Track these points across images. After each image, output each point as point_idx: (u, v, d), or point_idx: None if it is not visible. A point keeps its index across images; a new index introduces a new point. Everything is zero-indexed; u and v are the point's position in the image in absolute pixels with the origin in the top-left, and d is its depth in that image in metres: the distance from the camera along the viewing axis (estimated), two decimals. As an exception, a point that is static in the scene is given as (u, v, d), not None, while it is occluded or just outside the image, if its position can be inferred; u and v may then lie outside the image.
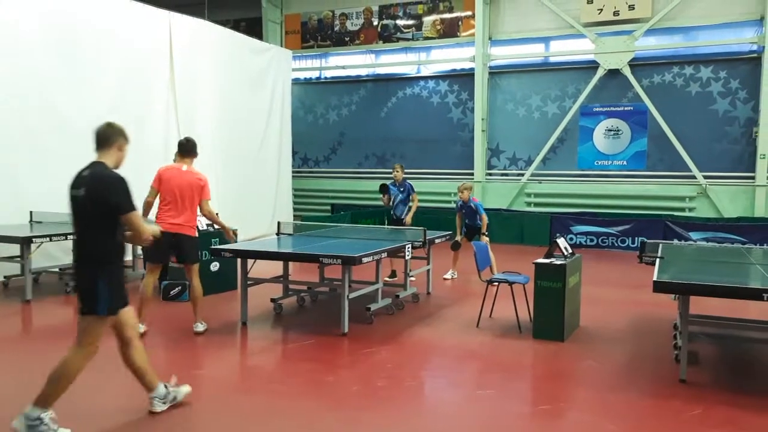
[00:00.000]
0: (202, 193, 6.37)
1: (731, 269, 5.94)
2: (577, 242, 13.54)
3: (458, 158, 16.73)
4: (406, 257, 7.62)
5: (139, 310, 6.08)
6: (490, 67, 16.25)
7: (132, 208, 3.92)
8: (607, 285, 9.39)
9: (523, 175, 16.01)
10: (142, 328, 6.05)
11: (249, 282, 6.98)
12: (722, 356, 6.01)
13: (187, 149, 6.52)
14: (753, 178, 13.92)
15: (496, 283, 7.13)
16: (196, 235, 6.53)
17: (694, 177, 14.42)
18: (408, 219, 9.57)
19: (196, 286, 6.47)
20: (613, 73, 14.96)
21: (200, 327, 6.48)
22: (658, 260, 5.84)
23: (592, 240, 13.80)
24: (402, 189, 9.64)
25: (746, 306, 7.32)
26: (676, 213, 14.32)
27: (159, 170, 6.47)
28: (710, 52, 14.35)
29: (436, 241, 8.41)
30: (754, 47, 13.84)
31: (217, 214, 6.67)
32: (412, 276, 8.34)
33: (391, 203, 9.70)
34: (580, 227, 13.98)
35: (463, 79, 16.64)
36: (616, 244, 13.54)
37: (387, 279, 9.05)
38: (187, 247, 6.40)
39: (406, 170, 9.93)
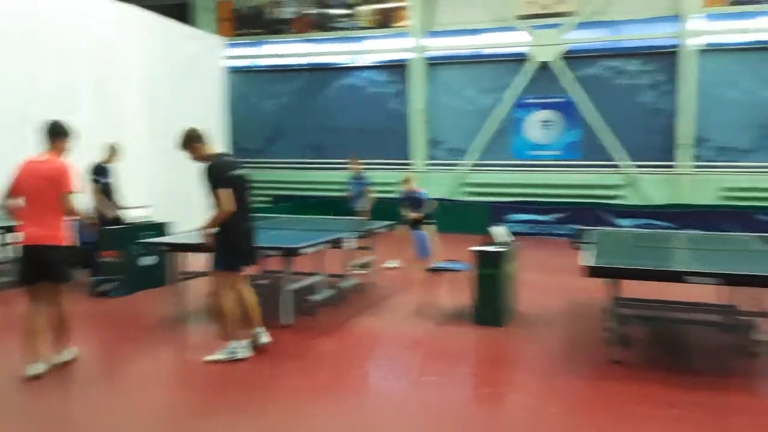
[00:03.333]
0: (61, 185, 4.86)
1: (657, 254, 6.22)
2: (515, 230, 13.84)
3: (396, 149, 16.79)
4: (349, 247, 7.60)
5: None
6: (427, 59, 16.36)
7: None
8: (544, 271, 9.68)
9: (462, 165, 16.24)
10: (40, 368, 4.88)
11: (184, 276, 6.80)
12: (652, 337, 6.30)
13: (54, 132, 5.04)
14: (677, 166, 14.61)
15: (439, 272, 7.22)
16: (66, 243, 5.00)
17: (624, 166, 15.00)
18: (364, 210, 9.62)
19: (62, 311, 5.08)
20: (546, 66, 15.34)
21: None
22: (588, 246, 6.06)
23: (531, 228, 14.20)
24: (360, 181, 9.69)
25: (676, 288, 7.66)
26: (607, 201, 14.87)
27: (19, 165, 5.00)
28: (636, 46, 14.91)
29: (378, 230, 8.43)
30: (675, 41, 14.49)
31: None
32: (361, 268, 8.33)
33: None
34: (517, 215, 14.34)
35: (399, 69, 16.70)
36: (552, 232, 13.97)
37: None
38: (53, 261, 4.91)
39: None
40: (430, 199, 9.84)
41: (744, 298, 6.15)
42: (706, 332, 6.32)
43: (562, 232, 13.81)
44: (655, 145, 14.94)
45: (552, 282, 8.93)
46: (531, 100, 15.67)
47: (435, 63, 16.43)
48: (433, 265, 7.62)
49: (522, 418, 4.33)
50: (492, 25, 15.76)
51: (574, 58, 15.24)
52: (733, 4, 14.22)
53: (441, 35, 16.29)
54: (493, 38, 15.90)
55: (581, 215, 13.63)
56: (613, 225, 13.22)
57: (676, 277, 4.94)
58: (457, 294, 6.89)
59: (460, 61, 16.29)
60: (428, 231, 8.99)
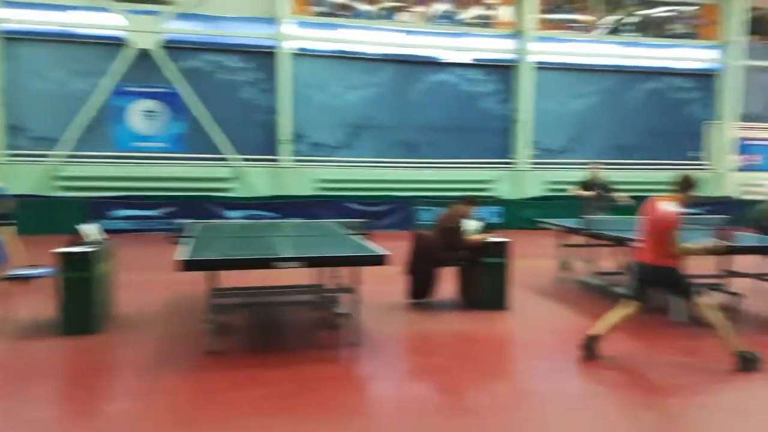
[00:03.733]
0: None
1: (253, 243, 6.47)
2: (118, 227, 12.94)
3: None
4: None
5: None
6: (3, 32, 14.02)
7: None
8: (147, 269, 9.22)
9: (53, 156, 14.40)
10: None
11: None
12: (250, 323, 6.54)
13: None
14: (279, 160, 15.67)
15: (19, 280, 6.20)
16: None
17: (231, 159, 15.39)
18: None
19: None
20: (147, 54, 14.69)
21: None
22: (186, 240, 5.97)
23: (136, 224, 13.43)
24: None
25: (276, 273, 8.11)
26: (217, 194, 15.08)
27: None
28: (237, 43, 15.43)
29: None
30: (271, 42, 15.47)
31: None
32: None
33: None
34: (121, 211, 13.43)
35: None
36: (160, 228, 13.47)
37: None
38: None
39: None
40: (8, 196, 8.42)
41: (329, 278, 6.85)
42: (298, 312, 6.86)
43: (169, 228, 13.44)
44: (260, 139, 15.75)
45: (155, 279, 8.56)
46: (133, 89, 14.83)
47: (14, 38, 14.19)
48: (10, 272, 6.51)
49: (119, 424, 3.97)
50: (82, 2, 14.35)
51: (176, 48, 14.96)
52: (320, 14, 15.88)
53: (20, 6, 14.13)
54: (84, 17, 14.49)
55: (190, 209, 13.48)
56: (222, 217, 13.47)
57: (266, 263, 5.17)
58: (44, 304, 6.02)
59: (47, 39, 14.42)
60: (6, 233, 7.68)
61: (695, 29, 18.16)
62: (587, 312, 6.85)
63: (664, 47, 17.97)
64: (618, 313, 5.22)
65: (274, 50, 15.47)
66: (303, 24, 15.75)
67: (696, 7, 18.04)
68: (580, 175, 10.60)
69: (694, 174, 5.34)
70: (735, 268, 7.53)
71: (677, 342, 5.94)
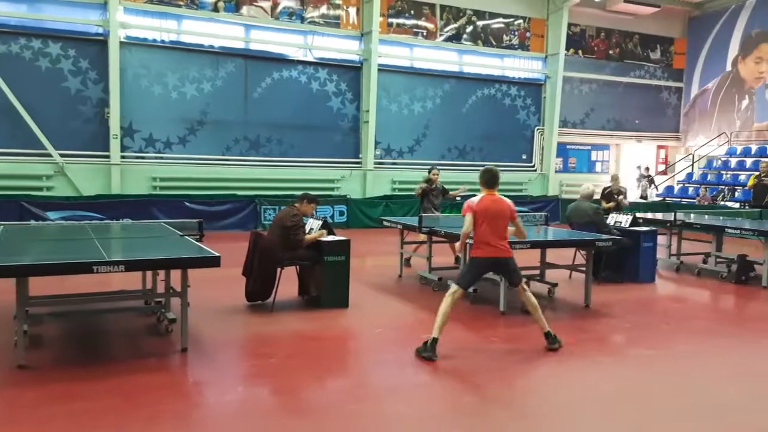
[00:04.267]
0: None
1: (73, 246, 5.93)
2: None
3: None
4: None
5: None
6: None
7: None
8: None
9: None
10: None
11: None
12: (68, 333, 5.98)
13: None
14: (108, 156, 14.54)
15: None
16: None
17: (50, 155, 14.03)
18: None
19: None
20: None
21: None
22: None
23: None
24: None
25: (105, 279, 7.49)
26: (33, 193, 13.66)
27: None
28: (59, 29, 14.11)
29: None
30: (101, 30, 14.36)
31: None
32: None
33: None
34: None
35: None
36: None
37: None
38: None
39: None
40: None
41: (161, 282, 6.46)
42: (125, 319, 6.40)
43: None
44: (88, 134, 14.55)
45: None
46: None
47: None
48: None
49: None
50: None
51: (-14, 31, 13.37)
52: (155, 2, 14.96)
53: None
54: None
55: (4, 210, 12.10)
56: (39, 218, 12.23)
57: (87, 268, 4.75)
58: None
59: None
60: None
61: (525, 41, 19.63)
62: (426, 307, 7.10)
63: (498, 57, 19.24)
64: (445, 306, 5.38)
65: (103, 38, 14.35)
66: (136, 12, 14.79)
67: (525, 21, 19.50)
68: (423, 175, 11.01)
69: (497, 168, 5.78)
70: (550, 260, 8.23)
71: (502, 330, 6.35)
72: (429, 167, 10.95)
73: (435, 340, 5.25)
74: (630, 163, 22.06)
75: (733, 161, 19.97)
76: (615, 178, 11.35)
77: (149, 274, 6.74)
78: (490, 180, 5.58)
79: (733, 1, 20.63)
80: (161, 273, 6.39)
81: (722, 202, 17.85)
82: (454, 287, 5.49)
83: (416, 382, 4.83)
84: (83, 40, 14.35)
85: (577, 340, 5.98)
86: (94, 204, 13.31)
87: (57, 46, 14.11)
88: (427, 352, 5.21)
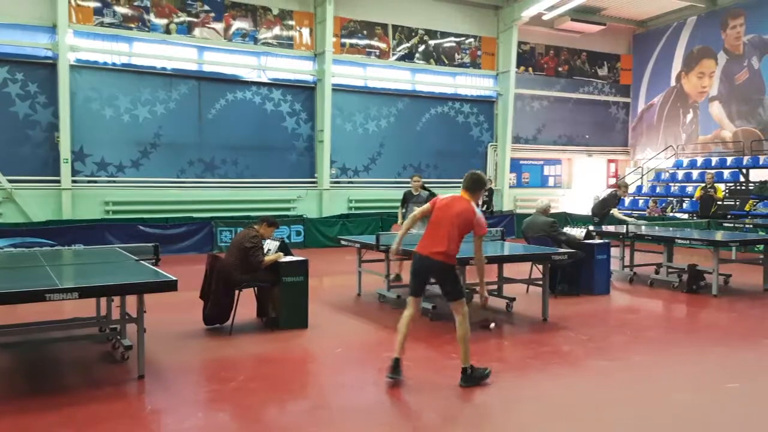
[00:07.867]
0: None
1: (24, 274, 5.77)
2: None
3: None
4: None
5: None
6: None
7: None
8: None
9: None
10: None
11: None
12: (18, 363, 5.80)
13: None
14: (59, 181, 14.20)
15: None
16: None
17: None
18: None
19: None
20: None
21: None
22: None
23: None
24: None
25: (58, 306, 7.29)
26: (-21, 220, 13.25)
27: None
28: (6, 52, 13.79)
29: None
30: (50, 53, 14.08)
31: None
32: None
33: None
34: None
35: None
36: None
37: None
38: None
39: None
40: None
41: (115, 308, 6.33)
42: (81, 347, 6.23)
43: None
44: (37, 159, 14.22)
45: None
46: None
47: None
48: None
49: None
50: None
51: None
52: (106, 25, 14.78)
53: None
54: None
55: (-53, 238, 11.68)
56: (-13, 247, 11.80)
57: (38, 296, 4.63)
58: None
59: None
60: None
61: (477, 59, 20.06)
62: (384, 325, 7.13)
63: (450, 75, 19.60)
64: (403, 324, 5.26)
65: (53, 61, 14.08)
66: (87, 34, 14.58)
67: (475, 40, 19.93)
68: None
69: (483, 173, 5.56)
70: (507, 275, 8.37)
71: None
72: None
73: (397, 360, 5.19)
74: (582, 178, 22.66)
75: (681, 173, 20.70)
76: (624, 185, 12.42)
77: (103, 300, 6.60)
78: (464, 182, 5.33)
79: (675, 18, 21.54)
80: (116, 299, 6.26)
81: (671, 214, 18.45)
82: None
83: (377, 402, 4.84)
84: (32, 63, 14.07)
85: (536, 353, 6.09)
86: (45, 230, 12.94)
87: (4, 69, 13.80)
88: (392, 375, 5.13)
